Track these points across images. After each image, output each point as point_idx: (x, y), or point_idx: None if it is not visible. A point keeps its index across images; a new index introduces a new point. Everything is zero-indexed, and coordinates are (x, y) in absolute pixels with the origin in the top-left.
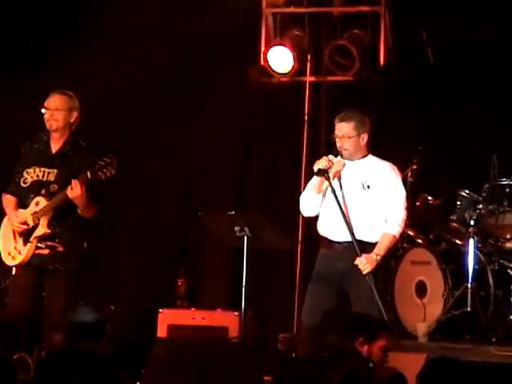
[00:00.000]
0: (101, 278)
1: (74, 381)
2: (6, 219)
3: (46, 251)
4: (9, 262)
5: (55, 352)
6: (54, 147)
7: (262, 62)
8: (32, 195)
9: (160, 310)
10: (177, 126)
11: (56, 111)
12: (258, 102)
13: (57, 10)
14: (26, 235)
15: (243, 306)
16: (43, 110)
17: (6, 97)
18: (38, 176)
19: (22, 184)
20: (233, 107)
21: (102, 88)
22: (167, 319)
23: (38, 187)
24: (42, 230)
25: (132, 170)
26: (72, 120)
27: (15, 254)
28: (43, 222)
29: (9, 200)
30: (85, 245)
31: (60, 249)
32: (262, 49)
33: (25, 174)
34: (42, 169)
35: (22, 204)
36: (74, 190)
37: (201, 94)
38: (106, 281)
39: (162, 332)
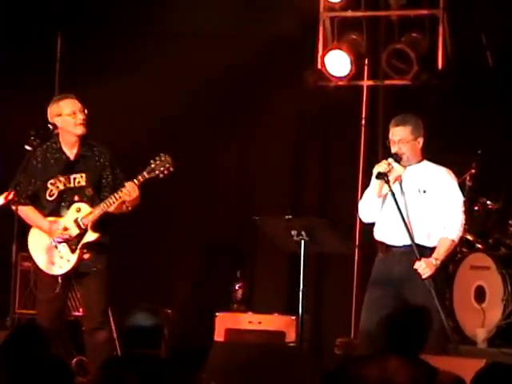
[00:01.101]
0: (158, 282)
1: None
2: (33, 231)
3: (87, 255)
4: (54, 271)
5: (116, 356)
6: (71, 152)
7: (320, 66)
8: (63, 204)
9: (217, 314)
10: (234, 129)
11: (83, 113)
12: (315, 106)
13: (121, 11)
14: (70, 242)
15: (300, 310)
16: (67, 116)
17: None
18: (64, 185)
19: (47, 197)
20: (290, 111)
21: (160, 95)
22: (224, 323)
23: (68, 195)
24: (93, 235)
25: (189, 175)
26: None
27: (62, 262)
28: (90, 227)
29: (32, 211)
30: (109, 241)
31: (96, 251)
32: (320, 53)
33: (49, 185)
34: (67, 176)
35: (51, 215)
36: (131, 193)
37: (258, 98)
38: (163, 285)
39: (219, 336)
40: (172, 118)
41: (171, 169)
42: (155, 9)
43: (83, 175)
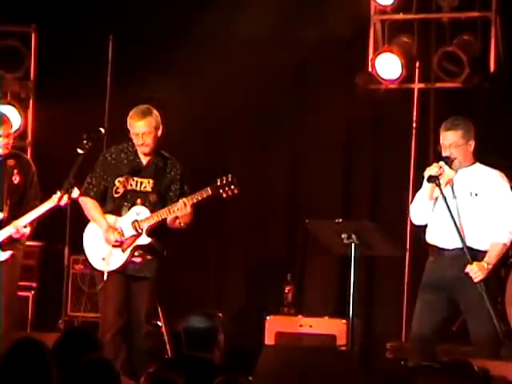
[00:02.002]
0: (208, 286)
1: None
2: (91, 224)
3: (139, 259)
4: (102, 267)
5: (166, 358)
6: (144, 158)
7: (370, 69)
8: (126, 204)
9: (267, 318)
10: (284, 131)
11: (144, 135)
12: (366, 109)
13: (173, 13)
14: (125, 243)
15: (351, 313)
16: (133, 134)
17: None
18: (131, 185)
19: (113, 194)
20: (340, 114)
21: (211, 97)
22: (275, 326)
23: (132, 196)
24: (146, 239)
25: (239, 178)
26: (159, 135)
27: (111, 260)
28: (146, 231)
29: (95, 205)
30: (165, 252)
31: (148, 257)
32: (370, 56)
33: (116, 183)
34: (136, 178)
35: (111, 212)
36: (183, 209)
37: (308, 102)
38: (213, 288)
39: (269, 339)
40: (223, 119)
41: (236, 191)
42: (207, 11)
43: (150, 181)
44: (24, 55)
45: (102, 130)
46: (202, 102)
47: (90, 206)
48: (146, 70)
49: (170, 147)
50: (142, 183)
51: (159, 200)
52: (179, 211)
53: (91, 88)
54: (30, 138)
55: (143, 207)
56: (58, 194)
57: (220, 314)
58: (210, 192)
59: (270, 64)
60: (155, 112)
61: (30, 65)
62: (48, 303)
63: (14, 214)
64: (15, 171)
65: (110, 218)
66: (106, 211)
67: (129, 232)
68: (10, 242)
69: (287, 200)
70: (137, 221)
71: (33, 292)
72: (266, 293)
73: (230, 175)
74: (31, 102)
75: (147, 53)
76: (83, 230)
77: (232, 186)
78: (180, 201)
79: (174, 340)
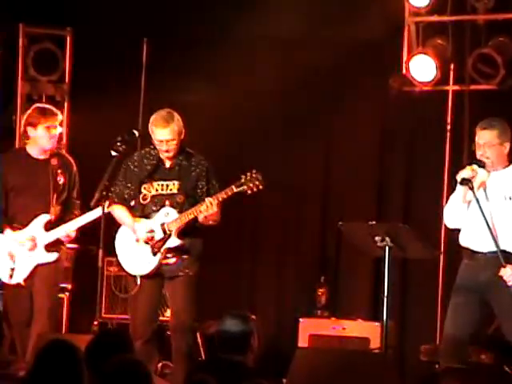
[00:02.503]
0: (241, 288)
1: None
2: (121, 230)
3: (173, 260)
4: (135, 272)
5: (200, 361)
6: (167, 161)
7: (404, 72)
8: (154, 208)
9: (300, 320)
10: (318, 133)
11: (168, 142)
12: (400, 112)
13: (204, 20)
14: (155, 246)
15: (384, 316)
16: (156, 141)
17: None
18: (157, 190)
19: (141, 200)
20: (374, 116)
21: (245, 98)
22: (308, 329)
23: (160, 200)
24: (176, 240)
25: (272, 181)
26: (182, 139)
27: (143, 264)
28: (175, 232)
29: (123, 210)
30: (202, 247)
31: (184, 256)
32: (405, 58)
33: (142, 190)
34: (161, 182)
35: (141, 217)
36: (210, 209)
37: (342, 103)
38: (246, 291)
39: (302, 341)
40: (256, 121)
41: (260, 187)
42: (241, 12)
43: (176, 183)
44: (59, 58)
45: (136, 132)
46: (236, 103)
47: (117, 211)
48: (179, 73)
49: (203, 148)
50: (167, 186)
51: (187, 200)
52: (205, 211)
53: (125, 91)
54: (64, 140)
55: (171, 208)
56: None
57: (253, 317)
58: (234, 190)
59: (304, 65)
60: (177, 116)
61: (65, 68)
62: (82, 305)
63: (61, 216)
64: (59, 171)
65: (143, 219)
66: (136, 217)
67: (158, 234)
68: (56, 244)
69: (320, 202)
70: (166, 223)
71: (67, 294)
72: (300, 295)
73: (254, 170)
74: (66, 104)
75: (181, 55)
76: (117, 232)
77: (256, 182)
78: (206, 200)
79: (208, 342)
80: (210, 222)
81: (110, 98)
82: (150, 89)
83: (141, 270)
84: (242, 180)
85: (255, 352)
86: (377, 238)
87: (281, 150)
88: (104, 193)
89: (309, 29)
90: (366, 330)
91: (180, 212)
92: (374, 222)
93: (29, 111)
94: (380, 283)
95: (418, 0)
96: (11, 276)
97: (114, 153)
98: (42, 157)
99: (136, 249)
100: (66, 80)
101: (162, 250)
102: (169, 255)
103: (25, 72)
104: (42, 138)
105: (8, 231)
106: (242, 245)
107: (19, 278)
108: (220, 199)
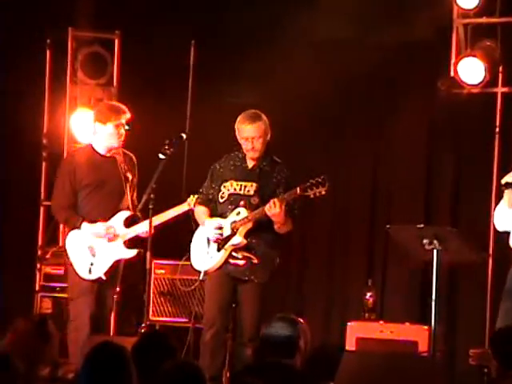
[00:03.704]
0: (289, 292)
1: None
2: (199, 229)
3: (242, 262)
4: (199, 266)
5: (248, 365)
6: (250, 162)
7: (453, 74)
8: (230, 207)
9: (348, 323)
10: (366, 136)
11: (254, 140)
12: (448, 114)
13: (251, 23)
14: (220, 242)
15: (433, 319)
16: (242, 139)
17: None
18: (235, 189)
19: (219, 199)
20: (422, 118)
21: (291, 103)
22: (356, 332)
23: (235, 199)
24: (238, 239)
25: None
26: (268, 139)
27: (206, 258)
28: (241, 231)
29: (202, 211)
30: (277, 260)
31: (255, 261)
32: (453, 60)
33: (222, 188)
34: (240, 182)
35: (219, 216)
36: (273, 209)
37: (389, 107)
38: (294, 294)
39: (350, 345)
40: (305, 122)
41: (323, 192)
42: (288, 15)
43: (254, 185)
44: (108, 61)
45: (184, 135)
46: (283, 105)
47: (197, 211)
48: (227, 75)
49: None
50: (245, 187)
51: (262, 203)
52: (269, 211)
53: (173, 93)
54: None
55: (244, 208)
56: (191, 198)
57: (301, 320)
58: (298, 191)
59: (352, 67)
60: (264, 117)
61: (114, 71)
62: (131, 307)
63: (136, 213)
64: (126, 168)
65: (217, 218)
66: (213, 216)
67: (226, 232)
68: (136, 241)
69: (368, 205)
70: (235, 221)
71: (116, 296)
72: (347, 298)
73: (322, 176)
74: None
75: (229, 58)
76: (165, 235)
77: (320, 188)
78: (271, 200)
79: (258, 345)
80: (278, 227)
81: (157, 101)
82: (197, 91)
83: (204, 265)
84: (308, 184)
85: (303, 355)
86: (425, 241)
87: (328, 152)
88: (152, 195)
89: (357, 31)
90: (413, 334)
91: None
92: (422, 225)
93: (98, 107)
94: (428, 286)
95: (466, 2)
96: (90, 271)
97: (161, 156)
98: (108, 154)
99: (205, 246)
100: (115, 83)
101: (225, 246)
102: (237, 255)
103: (73, 75)
104: (111, 135)
105: (85, 225)
106: (290, 247)
107: (99, 272)
108: (284, 200)
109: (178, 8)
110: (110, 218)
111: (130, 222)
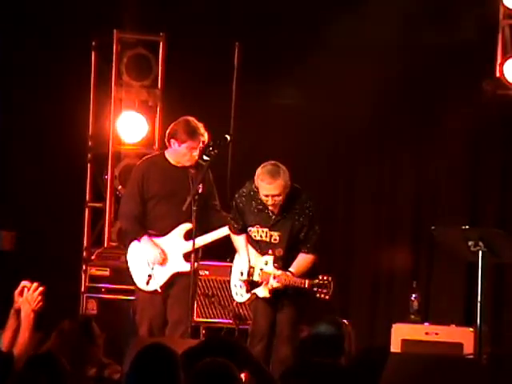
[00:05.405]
0: (334, 293)
1: None
2: (237, 256)
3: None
4: (237, 299)
5: (293, 365)
6: (273, 209)
7: (498, 74)
8: (259, 250)
9: (393, 325)
10: (408, 139)
11: (274, 197)
12: (493, 115)
13: (295, 25)
14: (248, 286)
15: (479, 321)
16: (263, 195)
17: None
18: (261, 236)
19: (252, 237)
20: (467, 119)
21: (331, 106)
22: (401, 334)
23: (264, 247)
24: (264, 292)
25: (364, 185)
26: (288, 190)
27: (240, 292)
28: (268, 287)
29: (238, 239)
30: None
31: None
32: (499, 61)
33: (252, 229)
34: (265, 230)
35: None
36: (272, 283)
37: (435, 109)
38: (340, 296)
39: (395, 346)
40: (348, 125)
41: (327, 297)
42: (333, 18)
43: (278, 234)
44: (152, 63)
45: (228, 136)
46: (327, 109)
47: (234, 239)
48: (271, 77)
49: (292, 151)
50: (271, 236)
51: (286, 252)
52: (273, 284)
53: (217, 95)
54: (157, 145)
55: (271, 258)
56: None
57: (346, 322)
58: (306, 285)
59: (396, 69)
60: (283, 170)
61: (158, 73)
62: None
63: (198, 226)
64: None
65: (257, 255)
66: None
67: (256, 277)
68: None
69: (413, 206)
70: (263, 270)
71: None
72: (392, 300)
73: (329, 277)
74: (158, 109)
75: (273, 59)
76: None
77: (325, 290)
78: (283, 274)
79: (300, 346)
80: (306, 270)
81: (201, 103)
82: (241, 92)
83: (238, 297)
84: (316, 281)
85: (348, 357)
86: (470, 243)
87: (373, 154)
88: (196, 197)
89: (401, 32)
90: (459, 336)
91: (275, 262)
92: (467, 227)
93: (178, 124)
94: (473, 288)
95: None
96: (148, 282)
97: (206, 157)
98: (179, 165)
99: (237, 274)
100: (159, 85)
101: (251, 292)
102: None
103: (118, 77)
104: (183, 155)
105: (145, 239)
106: (335, 250)
107: (156, 285)
108: (289, 285)
109: (222, 10)
110: (172, 230)
111: (190, 235)
